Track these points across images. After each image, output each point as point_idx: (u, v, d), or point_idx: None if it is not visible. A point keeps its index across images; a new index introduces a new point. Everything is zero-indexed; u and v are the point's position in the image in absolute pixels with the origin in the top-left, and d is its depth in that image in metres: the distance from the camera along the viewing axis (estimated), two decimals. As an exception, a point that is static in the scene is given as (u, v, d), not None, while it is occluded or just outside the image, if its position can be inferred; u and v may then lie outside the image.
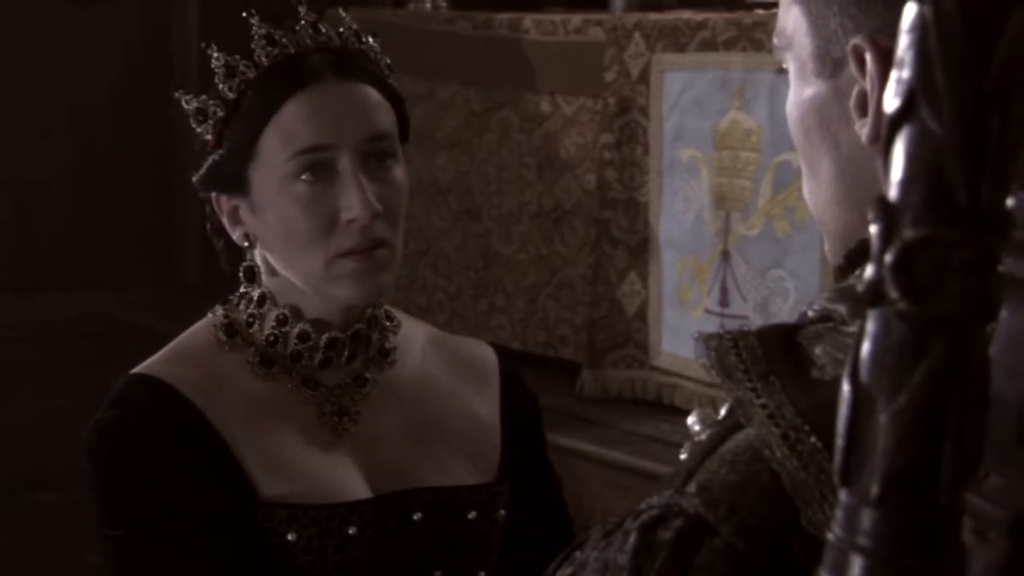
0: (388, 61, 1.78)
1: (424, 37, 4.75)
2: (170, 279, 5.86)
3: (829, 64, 1.08)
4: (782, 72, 1.15)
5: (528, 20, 4.41)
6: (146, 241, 5.80)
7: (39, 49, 5.60)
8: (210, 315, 1.80)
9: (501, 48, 4.48)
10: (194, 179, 1.78)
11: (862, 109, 1.05)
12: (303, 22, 1.74)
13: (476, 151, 4.53)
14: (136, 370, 1.75)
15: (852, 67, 1.05)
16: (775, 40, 1.15)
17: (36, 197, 5.64)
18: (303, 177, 1.69)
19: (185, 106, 1.76)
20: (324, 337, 1.75)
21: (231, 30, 1.78)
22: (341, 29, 1.76)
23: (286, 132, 1.69)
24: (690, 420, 1.13)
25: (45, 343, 5.45)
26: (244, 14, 1.74)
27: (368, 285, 1.71)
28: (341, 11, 1.80)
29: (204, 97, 1.74)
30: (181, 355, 1.77)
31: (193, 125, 1.75)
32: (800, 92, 1.11)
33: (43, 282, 5.64)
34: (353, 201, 1.68)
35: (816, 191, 1.13)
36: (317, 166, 1.69)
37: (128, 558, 1.69)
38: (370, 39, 1.78)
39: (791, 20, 1.11)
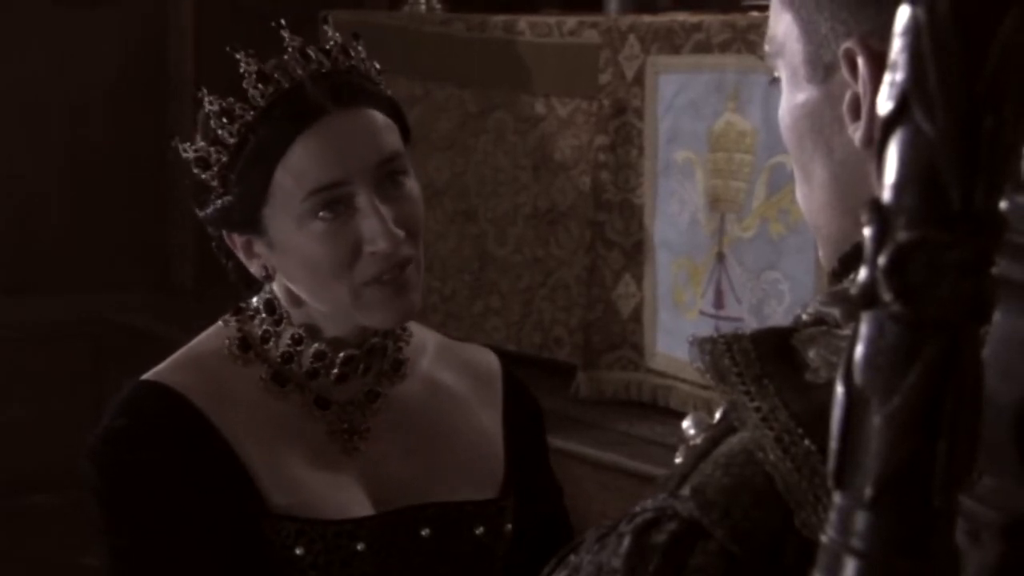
0: (377, 66, 1.76)
1: (419, 39, 4.75)
2: (166, 282, 5.86)
3: (821, 69, 1.08)
4: (775, 81, 1.15)
5: (523, 22, 4.41)
6: (142, 243, 5.80)
7: (36, 51, 5.60)
8: (222, 324, 1.78)
9: (496, 50, 4.48)
10: (200, 216, 1.75)
11: (855, 113, 1.05)
12: (290, 49, 1.70)
13: (471, 153, 4.53)
14: (145, 377, 1.74)
15: (844, 71, 1.05)
16: (767, 47, 1.15)
17: (32, 199, 5.64)
18: (320, 215, 1.67)
19: (184, 155, 1.73)
20: (340, 355, 1.74)
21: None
22: (328, 46, 1.73)
23: (298, 172, 1.67)
24: (685, 424, 1.13)
25: (40, 345, 5.45)
26: (228, 48, 1.72)
27: (399, 310, 1.70)
28: (324, 26, 1.78)
29: (202, 144, 1.71)
30: (191, 363, 1.75)
31: (195, 171, 1.72)
32: (792, 98, 1.11)
33: (39, 284, 5.63)
34: (376, 234, 1.66)
35: (809, 196, 1.13)
36: (334, 202, 1.67)
37: (132, 567, 1.68)
38: (357, 46, 1.75)
39: (782, 26, 1.11)
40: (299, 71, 1.69)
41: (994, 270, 0.64)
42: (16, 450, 5.14)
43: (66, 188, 5.70)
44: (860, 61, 1.03)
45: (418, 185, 1.74)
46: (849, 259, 1.07)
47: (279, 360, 1.75)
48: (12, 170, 5.55)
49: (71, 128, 5.69)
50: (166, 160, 5.53)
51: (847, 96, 1.05)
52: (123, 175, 5.72)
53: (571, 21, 4.29)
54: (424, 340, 1.86)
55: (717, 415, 1.04)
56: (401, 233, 1.67)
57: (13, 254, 5.58)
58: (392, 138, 1.72)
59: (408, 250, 1.69)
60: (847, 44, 1.05)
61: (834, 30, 1.07)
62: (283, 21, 1.73)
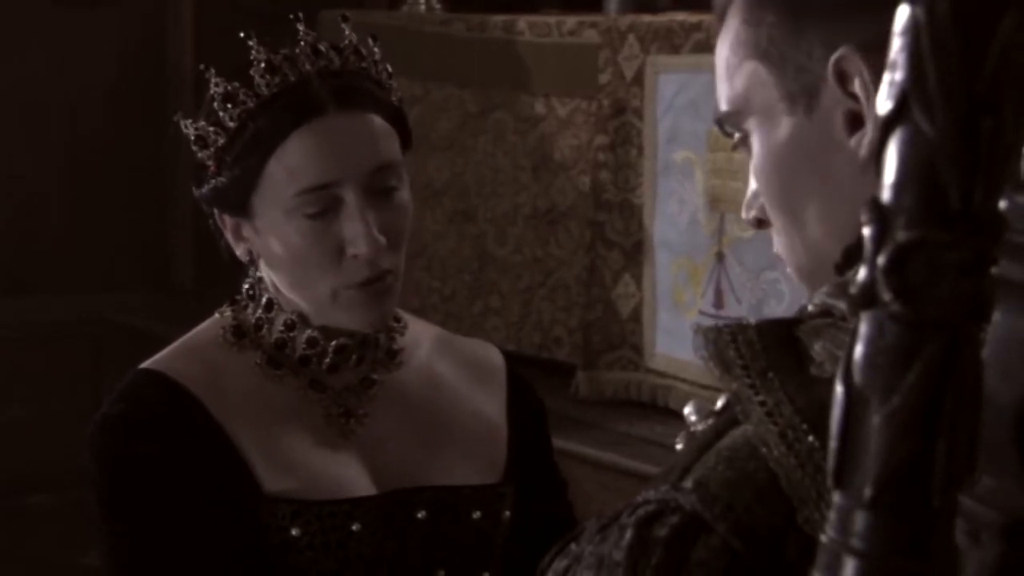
0: (389, 69, 1.76)
1: (419, 39, 4.75)
2: (166, 282, 5.86)
3: (802, 96, 1.08)
4: (736, 149, 1.15)
5: (523, 22, 4.41)
6: (142, 243, 5.79)
7: (36, 51, 5.60)
8: (217, 315, 1.80)
9: (496, 50, 4.47)
10: (196, 194, 1.77)
11: (852, 126, 1.05)
12: (302, 43, 1.71)
13: (471, 153, 4.52)
14: (144, 365, 1.76)
15: (833, 86, 1.05)
16: (726, 109, 1.14)
17: (32, 199, 5.63)
18: (308, 213, 1.68)
19: (184, 131, 1.75)
20: (332, 343, 1.76)
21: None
22: (342, 45, 1.73)
23: (291, 167, 1.68)
24: (686, 410, 1.12)
25: (40, 345, 5.45)
26: (241, 34, 1.72)
27: (374, 316, 1.72)
28: (342, 24, 1.78)
29: (203, 123, 1.72)
30: (189, 352, 1.77)
31: (194, 149, 1.74)
32: (773, 137, 1.10)
33: (39, 284, 5.63)
34: (358, 237, 1.67)
35: (802, 237, 1.11)
36: (322, 203, 1.68)
37: (128, 553, 1.69)
38: (371, 45, 1.75)
39: (743, 78, 1.11)
40: (307, 66, 1.70)
41: (994, 270, 0.64)
42: (16, 450, 5.14)
43: (66, 188, 5.70)
44: (859, 69, 1.03)
45: (410, 197, 1.75)
46: (855, 251, 1.06)
47: (273, 345, 1.77)
48: (12, 170, 5.55)
49: (71, 128, 5.69)
50: (166, 160, 5.53)
51: (839, 113, 1.05)
52: (123, 175, 5.72)
53: (571, 21, 4.29)
54: (420, 333, 1.88)
55: (719, 403, 1.04)
56: (383, 240, 1.68)
57: (13, 254, 5.58)
58: (390, 146, 1.72)
59: (389, 260, 1.70)
60: (838, 54, 1.05)
61: (811, 54, 1.07)
62: (300, 15, 1.73)
